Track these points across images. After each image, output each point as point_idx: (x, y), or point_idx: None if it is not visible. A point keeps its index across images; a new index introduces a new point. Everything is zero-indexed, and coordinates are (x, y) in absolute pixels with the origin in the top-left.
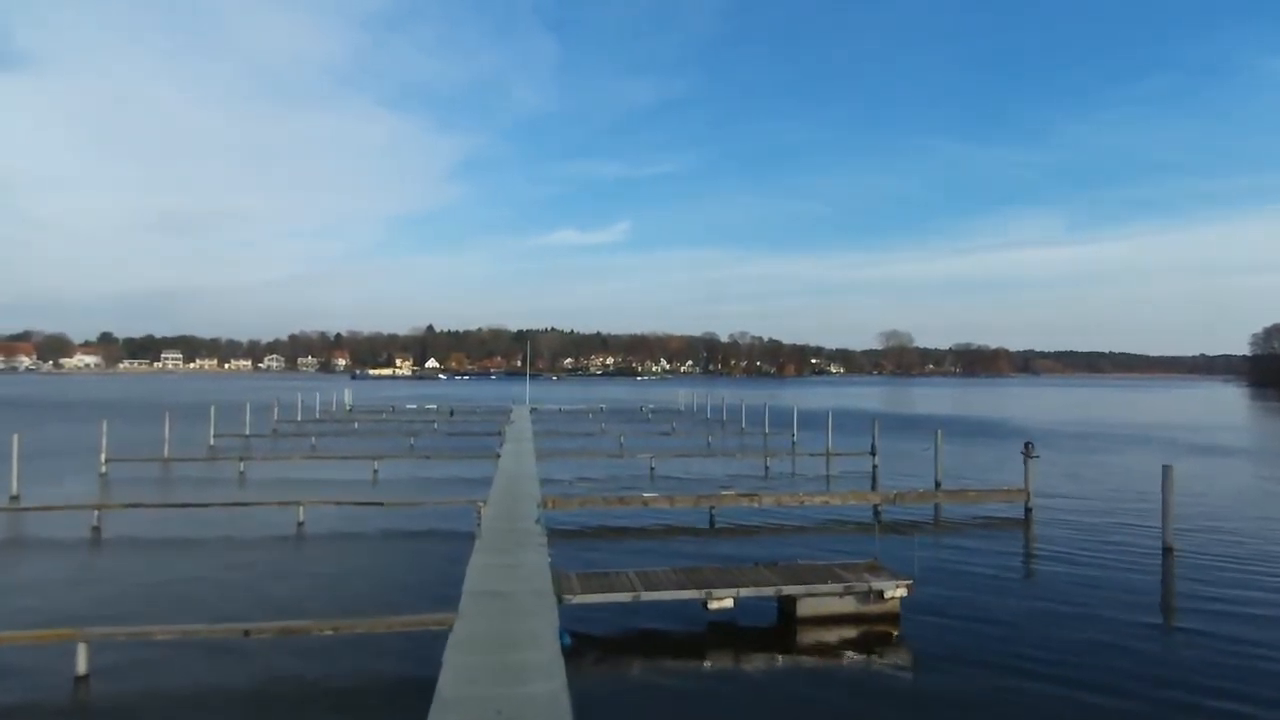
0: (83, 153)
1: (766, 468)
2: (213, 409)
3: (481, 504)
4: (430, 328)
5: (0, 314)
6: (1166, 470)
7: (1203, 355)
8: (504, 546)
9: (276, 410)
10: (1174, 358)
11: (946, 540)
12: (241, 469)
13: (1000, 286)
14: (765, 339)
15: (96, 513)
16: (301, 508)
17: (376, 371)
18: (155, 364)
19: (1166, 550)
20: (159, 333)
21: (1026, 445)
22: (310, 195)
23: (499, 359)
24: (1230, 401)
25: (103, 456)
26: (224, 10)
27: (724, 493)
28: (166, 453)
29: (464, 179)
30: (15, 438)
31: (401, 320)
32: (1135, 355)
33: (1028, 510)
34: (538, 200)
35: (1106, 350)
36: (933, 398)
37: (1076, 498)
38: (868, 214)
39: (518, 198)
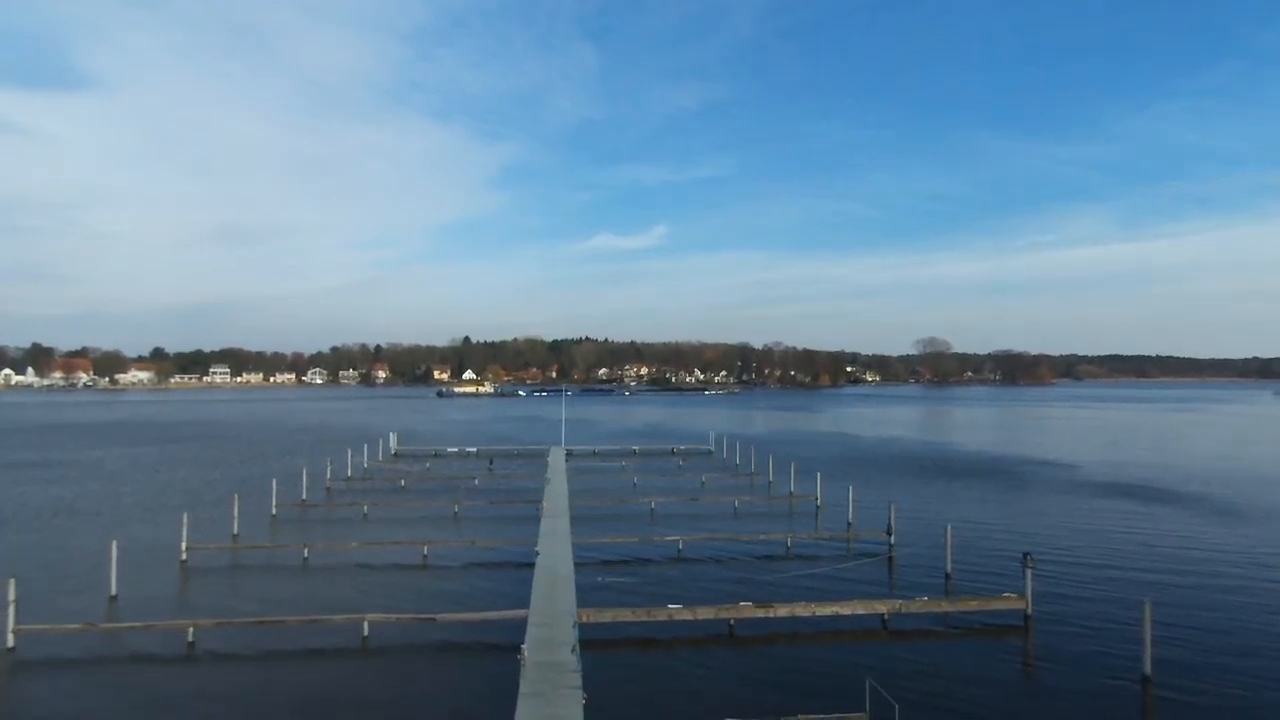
0: (143, 169)
1: (788, 547)
2: (274, 483)
3: (524, 651)
4: (467, 339)
5: (61, 325)
6: (1143, 605)
7: (1255, 358)
8: (544, 690)
9: (329, 470)
10: (1224, 360)
11: (945, 650)
12: (305, 555)
13: (1045, 287)
14: (799, 348)
15: (192, 629)
16: (366, 622)
17: (462, 389)
18: (204, 378)
19: (1144, 680)
20: (207, 345)
21: (1025, 556)
22: (357, 206)
23: (534, 370)
24: None
25: (184, 545)
26: (276, 30)
27: (742, 604)
28: (236, 529)
29: (505, 187)
30: (114, 543)
31: (438, 331)
32: (1184, 359)
33: (1027, 617)
34: (577, 206)
35: (1154, 354)
36: (970, 421)
37: (1075, 610)
38: (909, 214)
39: (558, 204)
